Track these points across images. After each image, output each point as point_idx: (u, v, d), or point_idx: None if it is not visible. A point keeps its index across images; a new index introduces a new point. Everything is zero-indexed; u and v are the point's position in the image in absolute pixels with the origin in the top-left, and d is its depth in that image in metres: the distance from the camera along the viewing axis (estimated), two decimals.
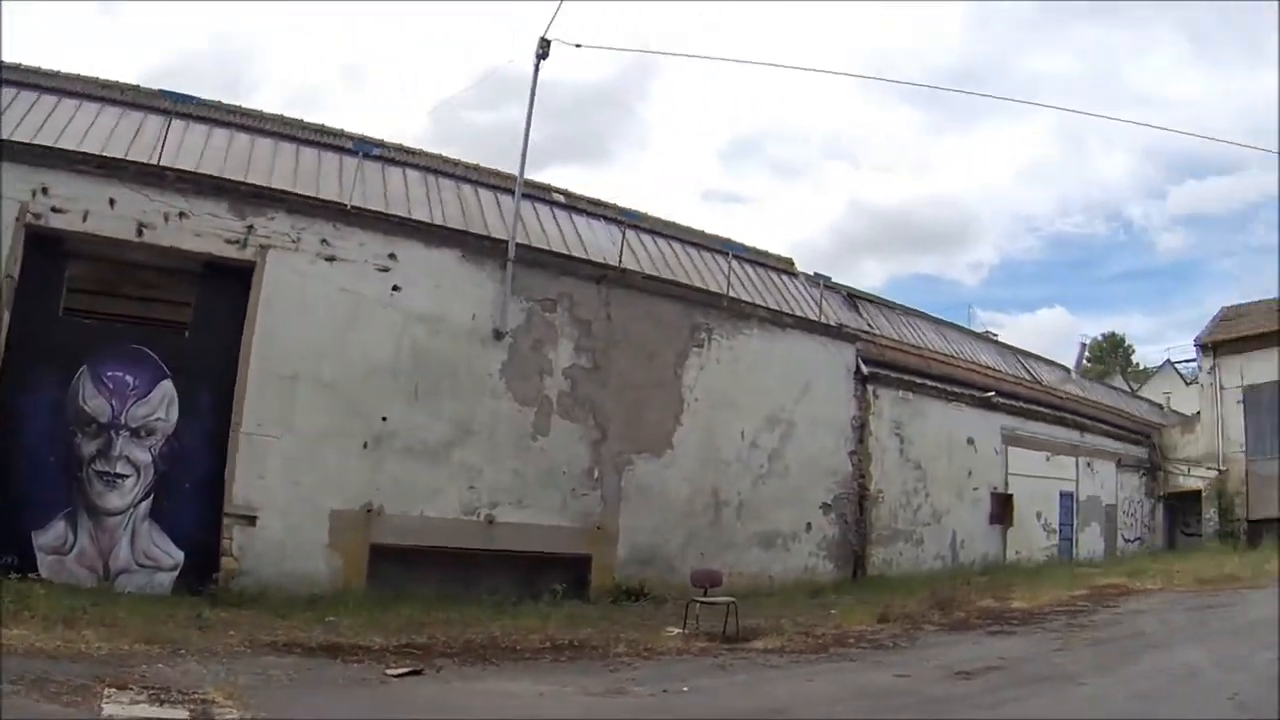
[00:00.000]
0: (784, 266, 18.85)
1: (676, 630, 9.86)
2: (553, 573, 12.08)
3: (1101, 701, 6.75)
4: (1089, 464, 24.16)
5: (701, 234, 17.69)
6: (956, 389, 19.84)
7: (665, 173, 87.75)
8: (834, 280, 19.92)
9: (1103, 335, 56.94)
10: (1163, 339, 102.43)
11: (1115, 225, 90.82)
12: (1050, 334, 69.79)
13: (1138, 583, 16.21)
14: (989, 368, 22.97)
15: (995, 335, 28.00)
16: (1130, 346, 58.26)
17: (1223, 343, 27.72)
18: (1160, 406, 34.37)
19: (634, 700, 6.67)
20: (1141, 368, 50.75)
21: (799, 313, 17.02)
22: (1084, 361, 39.62)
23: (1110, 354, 55.17)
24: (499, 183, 14.26)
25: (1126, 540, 25.92)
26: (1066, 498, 23.11)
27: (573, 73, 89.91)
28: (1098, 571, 18.43)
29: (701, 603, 10.10)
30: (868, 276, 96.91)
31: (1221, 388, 27.12)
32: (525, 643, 8.70)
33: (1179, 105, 73.34)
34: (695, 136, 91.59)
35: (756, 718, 6.38)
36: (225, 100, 12.96)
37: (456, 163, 14.79)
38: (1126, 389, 37.83)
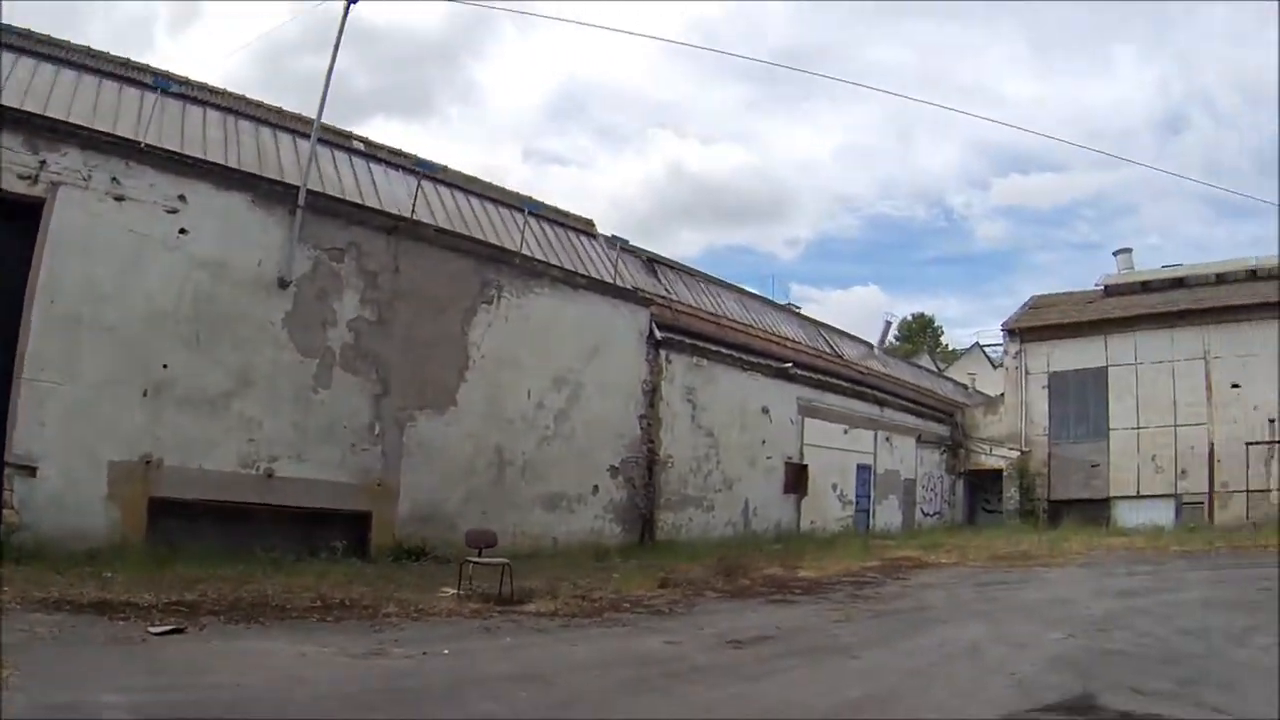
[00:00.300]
0: (583, 227, 22.12)
1: (452, 591, 11.24)
2: (333, 530, 14.14)
3: (873, 675, 7.70)
4: (888, 438, 29.15)
5: (500, 190, 20.73)
6: (753, 358, 23.84)
7: (489, 130, 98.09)
8: (640, 245, 23.62)
9: (912, 315, 68.11)
10: (976, 323, 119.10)
11: (936, 211, 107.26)
12: (864, 311, 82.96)
13: (931, 556, 19.69)
14: (789, 339, 27.32)
15: (798, 308, 32.85)
16: (939, 328, 69.85)
17: (1030, 329, 34.36)
18: (965, 387, 41.11)
19: (390, 662, 7.55)
20: (951, 349, 61.41)
21: (594, 274, 20.29)
22: (894, 340, 46.39)
23: (919, 334, 65.70)
24: (301, 128, 16.22)
25: (925, 514, 31.47)
26: (864, 470, 27.99)
27: (406, 22, 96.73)
28: (892, 544, 22.59)
29: (475, 563, 11.57)
30: (685, 245, 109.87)
31: (1027, 372, 33.63)
32: (296, 601, 9.84)
33: (1011, 103, 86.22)
34: (522, 95, 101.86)
35: (506, 682, 7.13)
36: (41, 31, 14.32)
37: (259, 104, 16.92)
38: (933, 368, 44.61)
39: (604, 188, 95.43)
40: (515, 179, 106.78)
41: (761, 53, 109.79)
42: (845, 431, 26.99)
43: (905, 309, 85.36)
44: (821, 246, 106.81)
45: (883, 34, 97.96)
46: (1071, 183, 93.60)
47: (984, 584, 15.08)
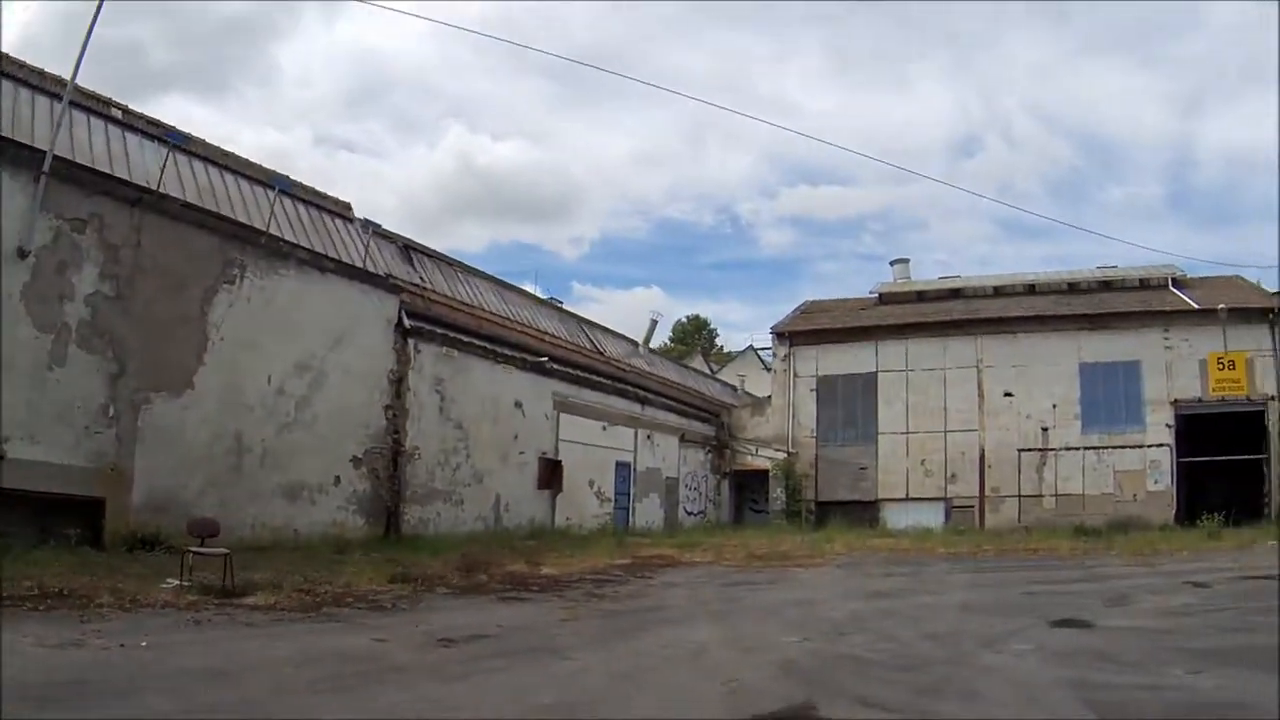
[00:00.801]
0: (339, 210, 24.56)
1: (175, 583, 12.16)
2: (67, 516, 15.43)
3: (578, 678, 8.24)
4: (649, 436, 32.94)
5: (254, 165, 22.82)
6: (508, 351, 26.88)
7: (284, 112, 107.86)
8: (423, 241, 26.51)
9: (688, 317, 79.40)
10: (756, 328, 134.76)
11: (723, 217, 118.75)
12: (644, 313, 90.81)
13: (686, 555, 22.34)
14: (547, 333, 30.64)
15: (559, 302, 36.45)
16: (714, 330, 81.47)
17: (800, 333, 39.67)
18: (734, 389, 46.12)
19: (84, 654, 8.26)
20: (726, 351, 70.55)
21: (346, 258, 22.69)
22: (669, 341, 51.36)
23: (694, 335, 76.52)
24: (61, 91, 17.22)
25: (689, 513, 35.74)
26: (623, 468, 31.69)
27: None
28: (648, 542, 25.80)
29: (195, 553, 12.58)
30: (471, 240, 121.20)
31: (795, 375, 38.63)
32: (14, 590, 10.60)
33: (807, 114, 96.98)
34: (319, 79, 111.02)
35: (193, 677, 7.77)
36: None
37: (21, 64, 18.23)
38: (706, 369, 49.74)
39: (394, 178, 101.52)
40: (306, 164, 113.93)
41: (564, 51, 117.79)
42: (604, 428, 30.53)
43: (686, 311, 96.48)
44: (607, 247, 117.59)
45: (686, 40, 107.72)
46: (860, 196, 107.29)
47: (731, 584, 16.84)
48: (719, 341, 77.54)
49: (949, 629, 11.04)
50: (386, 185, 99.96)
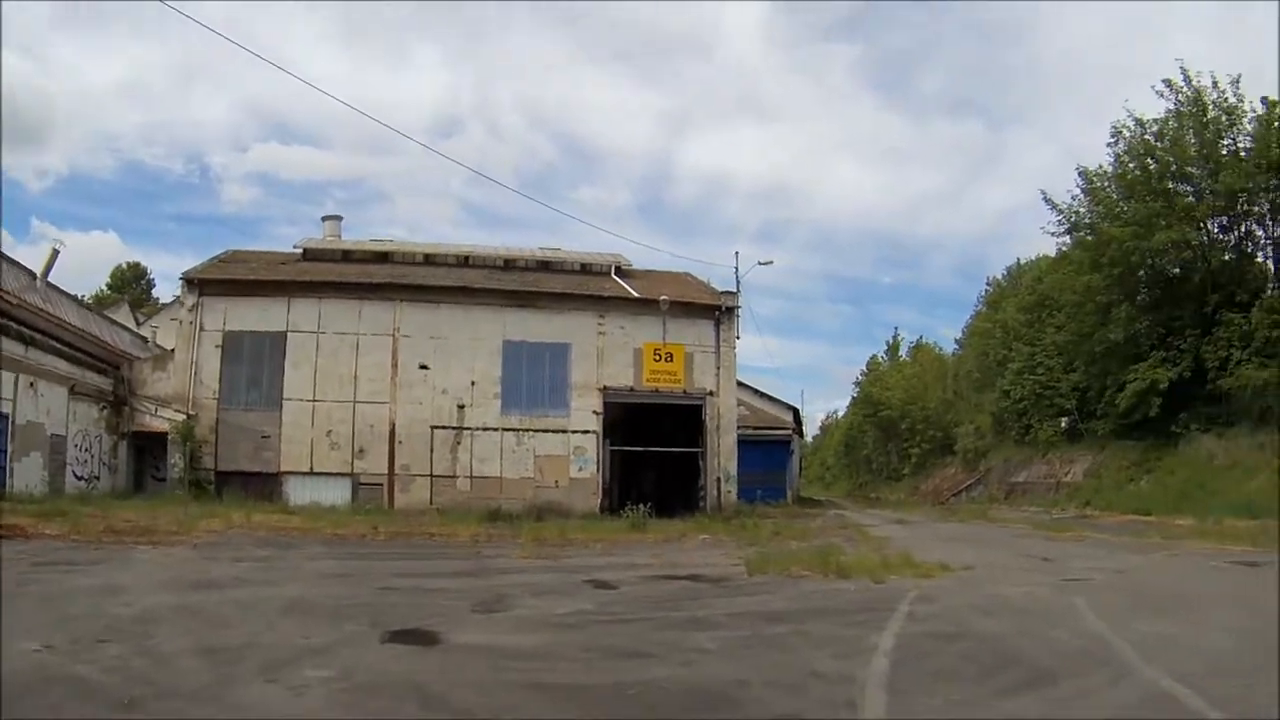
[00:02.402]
0: None
1: None
2: None
3: None
4: (33, 384, 31.68)
5: None
6: None
7: None
8: None
9: (127, 264, 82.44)
10: None
11: (193, 167, 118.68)
12: (99, 260, 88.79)
13: (39, 526, 20.15)
14: None
15: None
16: (153, 279, 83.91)
17: (211, 282, 38.82)
18: (145, 339, 45.07)
19: None
20: (160, 302, 71.40)
21: None
22: (104, 287, 49.98)
23: (132, 284, 79.11)
24: None
25: (79, 478, 34.09)
26: (1, 419, 30.13)
27: None
28: (5, 508, 23.33)
29: None
30: None
31: (202, 328, 37.77)
32: None
33: (301, 70, 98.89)
34: None
35: None
36: None
37: None
38: (133, 320, 48.63)
39: None
40: None
41: None
42: None
43: (139, 259, 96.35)
44: (73, 184, 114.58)
45: None
46: (331, 161, 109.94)
47: (46, 564, 15.37)
48: (155, 293, 79.23)
49: (245, 639, 9.41)
50: None
